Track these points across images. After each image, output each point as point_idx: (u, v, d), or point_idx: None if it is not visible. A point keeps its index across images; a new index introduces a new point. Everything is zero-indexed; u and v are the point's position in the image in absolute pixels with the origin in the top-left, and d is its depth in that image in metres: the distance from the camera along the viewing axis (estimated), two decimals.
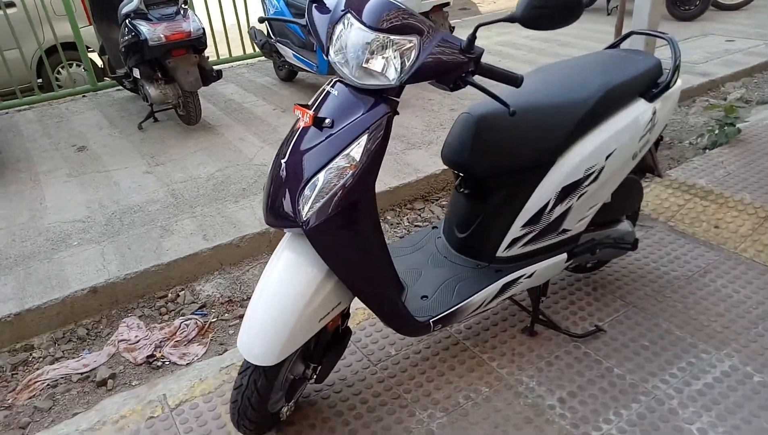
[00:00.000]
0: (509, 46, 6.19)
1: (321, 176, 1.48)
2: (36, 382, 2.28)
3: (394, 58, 1.44)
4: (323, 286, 1.58)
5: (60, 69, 5.52)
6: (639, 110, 1.96)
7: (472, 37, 1.47)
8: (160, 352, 2.41)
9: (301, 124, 1.55)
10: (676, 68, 2.05)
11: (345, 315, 1.83)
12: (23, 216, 3.23)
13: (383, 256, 1.69)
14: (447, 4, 4.99)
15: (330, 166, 1.48)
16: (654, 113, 1.99)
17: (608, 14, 7.13)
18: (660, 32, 2.16)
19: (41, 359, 2.41)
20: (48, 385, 2.27)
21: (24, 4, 4.92)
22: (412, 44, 1.45)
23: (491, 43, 6.27)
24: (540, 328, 2.21)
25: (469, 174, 1.89)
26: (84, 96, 5.39)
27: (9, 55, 4.98)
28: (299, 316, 1.54)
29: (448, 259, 2.03)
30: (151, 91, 4.06)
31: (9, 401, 2.21)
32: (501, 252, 1.94)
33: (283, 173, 1.55)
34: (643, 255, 2.63)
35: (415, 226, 3.21)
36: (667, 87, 2.03)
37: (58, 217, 3.20)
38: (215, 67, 4.27)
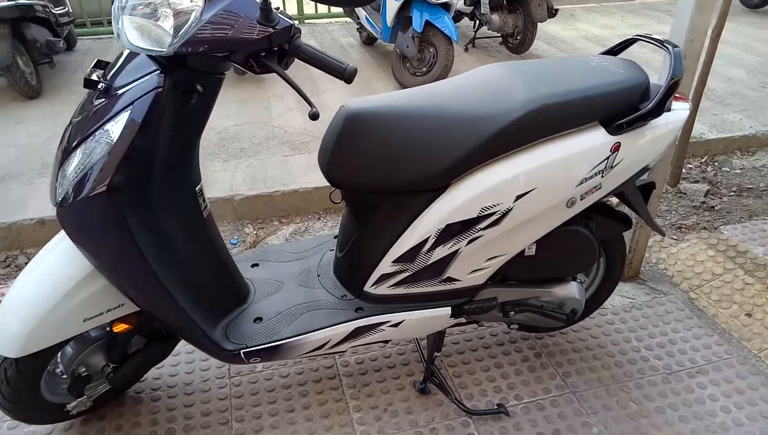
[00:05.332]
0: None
1: (78, 151, 1.23)
2: None
3: (168, 21, 1.12)
4: (89, 283, 1.34)
5: None
6: (588, 143, 1.42)
7: (265, 6, 1.10)
8: None
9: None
10: (668, 92, 1.44)
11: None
12: (42, 136, 3.35)
13: (183, 260, 1.40)
14: None
15: (88, 140, 1.21)
16: (615, 151, 1.44)
17: None
18: (664, 41, 1.54)
19: None
20: None
21: None
22: (193, 5, 1.11)
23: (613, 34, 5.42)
24: (435, 388, 1.79)
25: (333, 184, 1.50)
26: None
27: None
28: (53, 310, 1.32)
29: (321, 278, 1.68)
30: None
31: None
32: (368, 287, 1.55)
33: (61, 142, 1.31)
34: (631, 328, 2.03)
35: None
36: (649, 116, 1.44)
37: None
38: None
